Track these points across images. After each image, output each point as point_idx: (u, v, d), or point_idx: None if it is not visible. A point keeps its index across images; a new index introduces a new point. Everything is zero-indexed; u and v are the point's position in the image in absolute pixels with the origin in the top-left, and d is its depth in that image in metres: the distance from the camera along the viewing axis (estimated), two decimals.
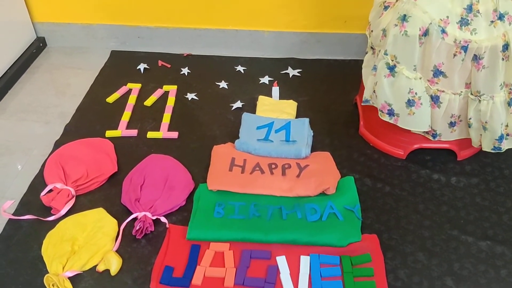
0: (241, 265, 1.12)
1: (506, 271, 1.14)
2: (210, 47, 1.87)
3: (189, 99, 1.65)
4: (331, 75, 1.78)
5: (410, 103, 1.27)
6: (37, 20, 1.86)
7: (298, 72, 1.79)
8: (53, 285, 1.06)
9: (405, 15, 1.19)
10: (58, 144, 1.45)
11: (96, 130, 1.51)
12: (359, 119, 1.53)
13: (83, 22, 1.86)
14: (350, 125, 1.55)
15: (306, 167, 1.37)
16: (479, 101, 1.24)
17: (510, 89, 1.23)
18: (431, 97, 1.27)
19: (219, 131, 1.52)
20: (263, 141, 1.45)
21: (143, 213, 1.21)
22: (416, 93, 1.26)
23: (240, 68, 1.81)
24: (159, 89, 1.68)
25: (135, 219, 1.22)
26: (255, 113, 1.58)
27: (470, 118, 1.28)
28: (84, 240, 1.17)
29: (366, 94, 1.37)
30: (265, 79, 1.75)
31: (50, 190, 1.29)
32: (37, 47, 1.86)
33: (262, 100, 1.63)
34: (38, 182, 1.33)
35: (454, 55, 1.19)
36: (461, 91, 1.26)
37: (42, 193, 1.28)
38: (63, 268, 1.09)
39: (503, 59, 1.18)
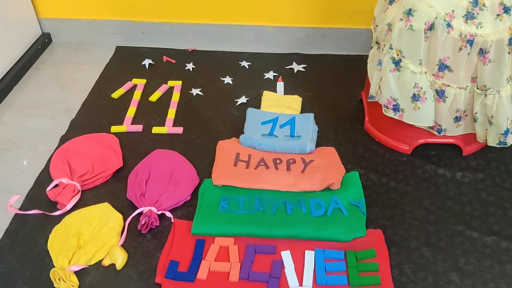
0: (245, 259, 1.12)
1: (511, 266, 1.13)
2: (215, 43, 1.87)
3: (194, 94, 1.65)
4: (336, 70, 1.78)
5: (415, 97, 1.26)
6: (43, 16, 1.87)
7: (303, 67, 1.78)
8: (59, 279, 1.07)
9: (410, 9, 1.18)
10: (64, 139, 1.46)
11: (102, 125, 1.51)
12: (364, 114, 1.53)
13: (88, 17, 1.86)
14: (355, 120, 1.54)
15: (311, 162, 1.37)
16: (485, 95, 1.24)
17: None
18: (436, 91, 1.27)
19: (223, 126, 1.52)
20: (267, 136, 1.45)
21: (148, 208, 1.21)
22: (421, 88, 1.25)
23: (244, 64, 1.81)
24: (164, 85, 1.68)
25: (140, 214, 1.22)
26: (259, 108, 1.58)
27: (476, 113, 1.27)
28: (90, 234, 1.17)
29: (372, 91, 1.37)
30: (270, 74, 1.75)
31: (56, 185, 1.30)
32: (43, 43, 1.87)
33: (266, 95, 1.63)
34: (44, 177, 1.34)
35: (460, 49, 1.18)
36: (467, 85, 1.25)
37: (48, 188, 1.29)
38: (69, 263, 1.10)
39: (509, 52, 1.17)
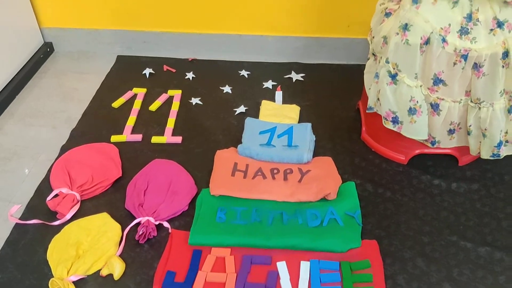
0: (241, 270, 1.14)
1: (505, 277, 1.14)
2: (215, 52, 1.89)
3: (194, 103, 1.68)
4: (334, 79, 1.79)
5: (411, 111, 1.28)
6: (45, 26, 1.90)
7: (301, 77, 1.80)
8: None
9: (406, 24, 1.20)
10: (64, 149, 1.48)
11: (102, 135, 1.53)
12: (361, 124, 1.55)
13: (90, 27, 1.89)
14: (352, 130, 1.56)
15: (307, 172, 1.38)
16: (479, 108, 1.25)
17: (510, 96, 1.23)
18: (431, 104, 1.28)
19: (222, 136, 1.54)
20: (265, 146, 1.47)
21: (146, 218, 1.23)
22: (417, 102, 1.27)
23: (244, 73, 1.83)
24: (164, 94, 1.71)
25: (138, 224, 1.24)
26: (258, 118, 1.60)
27: (470, 125, 1.28)
28: (89, 244, 1.19)
29: (371, 102, 1.38)
30: (269, 84, 1.77)
31: (56, 195, 1.32)
32: (45, 52, 1.90)
33: (265, 104, 1.65)
34: (45, 187, 1.36)
35: (454, 63, 1.20)
36: (461, 99, 1.26)
37: (48, 198, 1.31)
38: (67, 272, 1.12)
39: (503, 66, 1.18)
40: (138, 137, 1.52)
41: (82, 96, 1.71)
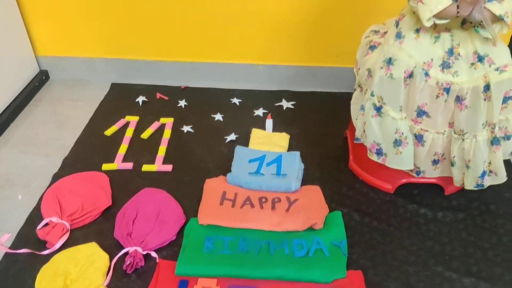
0: None
1: None
2: (207, 80, 1.93)
3: (185, 131, 1.70)
4: (324, 107, 1.83)
5: (397, 142, 1.30)
6: (41, 54, 1.94)
7: (291, 105, 1.83)
8: None
9: (390, 58, 1.23)
10: (56, 177, 1.50)
11: (94, 163, 1.56)
12: (349, 152, 1.57)
13: (85, 56, 1.93)
14: (341, 158, 1.58)
15: (295, 201, 1.40)
16: (463, 139, 1.27)
17: (492, 128, 1.26)
18: (415, 135, 1.31)
19: (212, 164, 1.57)
20: (254, 175, 1.49)
21: (134, 248, 1.24)
22: (402, 133, 1.29)
23: (235, 100, 1.86)
24: (156, 122, 1.73)
25: (126, 253, 1.25)
26: (248, 146, 1.62)
27: (454, 156, 1.31)
28: (77, 274, 1.20)
29: (357, 133, 1.41)
30: (260, 111, 1.80)
31: (46, 224, 1.34)
32: (40, 80, 1.93)
33: (255, 133, 1.68)
34: (35, 215, 1.38)
35: (437, 96, 1.23)
36: (444, 130, 1.29)
37: (38, 227, 1.32)
38: None
39: (484, 99, 1.21)
40: (129, 165, 1.55)
41: (75, 124, 1.74)
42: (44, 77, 1.95)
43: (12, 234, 1.33)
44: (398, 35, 1.25)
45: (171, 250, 1.28)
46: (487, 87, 1.20)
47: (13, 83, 1.82)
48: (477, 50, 1.21)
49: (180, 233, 1.32)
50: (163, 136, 1.67)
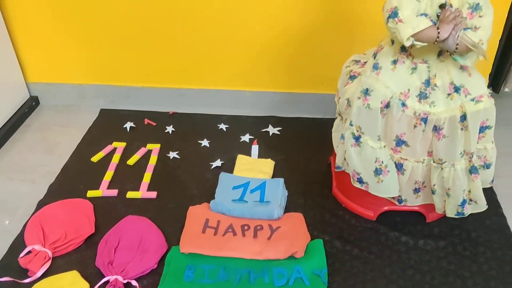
0: None
1: None
2: (195, 106, 1.95)
3: (171, 157, 1.72)
4: (310, 133, 1.84)
5: (377, 171, 1.32)
6: (31, 81, 1.97)
7: (278, 130, 1.85)
8: None
9: (367, 89, 1.25)
10: (41, 204, 1.51)
11: (79, 190, 1.57)
12: (332, 179, 1.58)
13: (75, 82, 1.96)
14: (324, 185, 1.59)
15: (277, 229, 1.41)
16: (442, 168, 1.29)
17: (470, 157, 1.27)
18: (395, 164, 1.32)
19: (197, 191, 1.58)
20: (237, 202, 1.50)
21: (115, 276, 1.25)
22: (382, 162, 1.30)
23: (222, 126, 1.88)
24: (142, 148, 1.75)
25: (107, 282, 1.26)
26: (233, 172, 1.64)
27: (434, 185, 1.32)
28: None
29: (338, 161, 1.43)
30: (246, 137, 1.81)
31: (29, 252, 1.34)
32: (30, 106, 1.96)
33: (240, 159, 1.69)
34: (18, 243, 1.38)
35: (415, 126, 1.24)
36: (424, 159, 1.30)
37: (21, 255, 1.33)
38: None
39: (461, 129, 1.23)
40: (114, 192, 1.56)
41: (63, 150, 1.75)
42: (34, 103, 1.98)
43: None
44: (375, 66, 1.27)
45: (152, 278, 1.29)
46: (463, 117, 1.21)
47: (3, 109, 1.84)
48: (453, 81, 1.23)
49: (162, 261, 1.33)
50: (149, 162, 1.68)
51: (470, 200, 1.34)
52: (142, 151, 1.74)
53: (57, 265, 1.32)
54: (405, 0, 1.14)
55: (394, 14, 1.15)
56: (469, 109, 1.20)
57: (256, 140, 1.79)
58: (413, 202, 1.40)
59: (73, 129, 1.87)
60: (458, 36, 1.12)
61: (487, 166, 1.32)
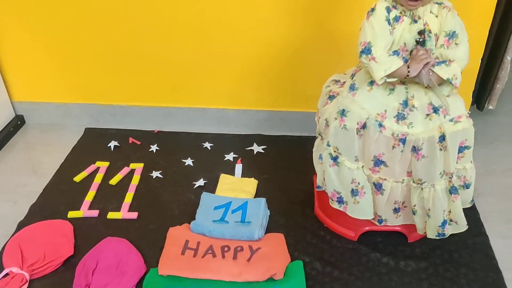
0: None
1: None
2: (180, 124, 1.95)
3: (154, 177, 1.71)
4: (294, 151, 1.83)
5: (354, 192, 1.31)
6: (16, 100, 1.98)
7: (262, 149, 1.85)
8: None
9: (344, 110, 1.25)
10: (21, 225, 1.50)
11: (60, 210, 1.56)
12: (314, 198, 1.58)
13: (60, 101, 1.96)
14: (307, 204, 1.58)
15: (258, 250, 1.40)
16: (422, 189, 1.28)
17: (450, 177, 1.27)
18: (374, 184, 1.31)
19: (178, 211, 1.57)
20: (218, 222, 1.49)
21: None
22: (359, 183, 1.30)
23: (207, 145, 1.87)
24: (125, 167, 1.74)
25: None
26: (215, 192, 1.63)
27: (414, 205, 1.31)
28: None
29: (318, 181, 1.42)
30: (230, 156, 1.81)
31: (7, 274, 1.33)
32: (15, 124, 1.96)
33: (223, 178, 1.68)
34: None
35: (393, 146, 1.24)
36: (403, 179, 1.29)
37: None
38: None
39: (440, 149, 1.22)
40: (94, 213, 1.55)
41: (46, 170, 1.75)
42: (19, 122, 1.98)
43: None
44: (352, 87, 1.27)
45: None
46: (442, 138, 1.21)
47: None
48: (432, 102, 1.23)
49: (140, 284, 1.31)
50: (132, 182, 1.67)
51: (451, 220, 1.33)
52: (125, 171, 1.73)
53: None
54: (379, 35, 1.17)
55: (367, 50, 1.17)
56: (448, 130, 1.20)
57: (240, 159, 1.79)
58: (394, 222, 1.39)
59: (58, 148, 1.86)
60: (428, 73, 1.15)
61: (466, 186, 1.32)
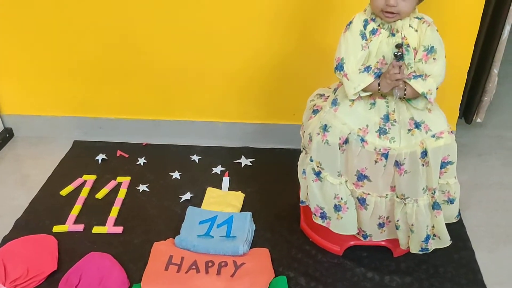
0: None
1: None
2: (169, 137, 1.95)
3: (140, 190, 1.71)
4: (282, 164, 1.83)
5: (337, 208, 1.31)
6: (5, 113, 1.98)
7: (250, 162, 1.84)
8: None
9: (326, 125, 1.25)
10: (6, 240, 1.49)
11: (45, 225, 1.55)
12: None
13: (49, 114, 1.96)
14: (293, 218, 1.57)
15: (242, 265, 1.39)
16: (405, 204, 1.28)
17: (433, 193, 1.26)
18: (358, 199, 1.31)
19: (164, 225, 1.56)
20: (203, 237, 1.48)
21: None
22: (341, 198, 1.30)
23: (195, 158, 1.87)
24: (112, 181, 1.74)
25: None
26: (201, 206, 1.62)
27: (397, 220, 1.31)
28: None
29: (302, 196, 1.42)
30: (218, 169, 1.81)
31: None
32: (4, 137, 1.96)
33: (209, 192, 1.68)
34: None
35: (376, 161, 1.23)
36: (387, 194, 1.29)
37: None
38: None
39: (423, 165, 1.22)
40: (80, 227, 1.54)
41: (33, 183, 1.74)
42: (8, 135, 1.98)
43: None
44: (334, 102, 1.27)
45: None
46: (424, 153, 1.21)
47: None
48: (414, 117, 1.23)
49: None
50: (118, 196, 1.67)
51: (434, 235, 1.32)
52: (111, 184, 1.73)
53: None
54: (351, 50, 1.19)
55: (340, 66, 1.20)
56: (429, 146, 1.20)
57: (227, 172, 1.79)
58: (378, 237, 1.38)
59: (46, 161, 1.86)
60: (404, 90, 1.17)
61: (451, 201, 1.31)
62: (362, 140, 1.22)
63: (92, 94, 1.90)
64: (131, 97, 1.89)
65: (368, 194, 1.29)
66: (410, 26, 1.18)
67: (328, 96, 1.39)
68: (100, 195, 1.68)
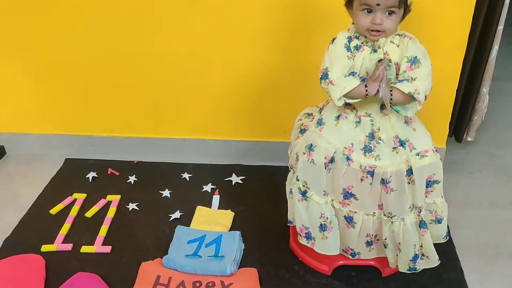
0: None
1: None
2: (160, 155, 1.95)
3: (130, 209, 1.70)
4: (272, 182, 1.82)
5: (322, 227, 1.30)
6: None
7: (241, 179, 1.84)
8: None
9: (311, 144, 1.26)
10: None
11: (34, 244, 1.54)
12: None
13: (40, 132, 1.97)
14: (282, 237, 1.57)
15: (230, 285, 1.38)
16: (392, 222, 1.27)
17: (419, 211, 1.26)
18: (345, 217, 1.30)
19: (152, 245, 1.55)
20: (191, 257, 1.47)
21: None
22: (327, 218, 1.29)
23: (186, 175, 1.87)
24: (102, 199, 1.74)
25: None
26: (190, 225, 1.62)
27: (385, 238, 1.30)
28: None
29: (289, 216, 1.42)
30: (208, 187, 1.80)
31: None
32: None
33: (199, 211, 1.68)
34: None
35: (362, 179, 1.23)
36: (374, 212, 1.29)
37: None
38: None
39: (408, 183, 1.22)
40: (68, 246, 1.53)
41: (24, 202, 1.74)
42: (0, 153, 1.99)
43: None
44: (319, 122, 1.28)
45: None
46: (410, 171, 1.21)
47: None
48: (398, 135, 1.23)
49: None
50: (107, 214, 1.66)
51: (423, 255, 1.32)
52: (101, 203, 1.72)
53: None
54: (335, 59, 1.19)
55: (325, 75, 1.18)
56: (414, 164, 1.20)
57: (217, 190, 1.78)
58: (367, 256, 1.37)
59: (37, 179, 1.86)
60: (386, 89, 1.13)
61: (438, 221, 1.31)
62: (348, 158, 1.22)
63: (84, 112, 1.90)
64: (123, 115, 1.90)
65: (355, 212, 1.29)
66: (391, 42, 1.19)
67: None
68: (89, 213, 1.67)
